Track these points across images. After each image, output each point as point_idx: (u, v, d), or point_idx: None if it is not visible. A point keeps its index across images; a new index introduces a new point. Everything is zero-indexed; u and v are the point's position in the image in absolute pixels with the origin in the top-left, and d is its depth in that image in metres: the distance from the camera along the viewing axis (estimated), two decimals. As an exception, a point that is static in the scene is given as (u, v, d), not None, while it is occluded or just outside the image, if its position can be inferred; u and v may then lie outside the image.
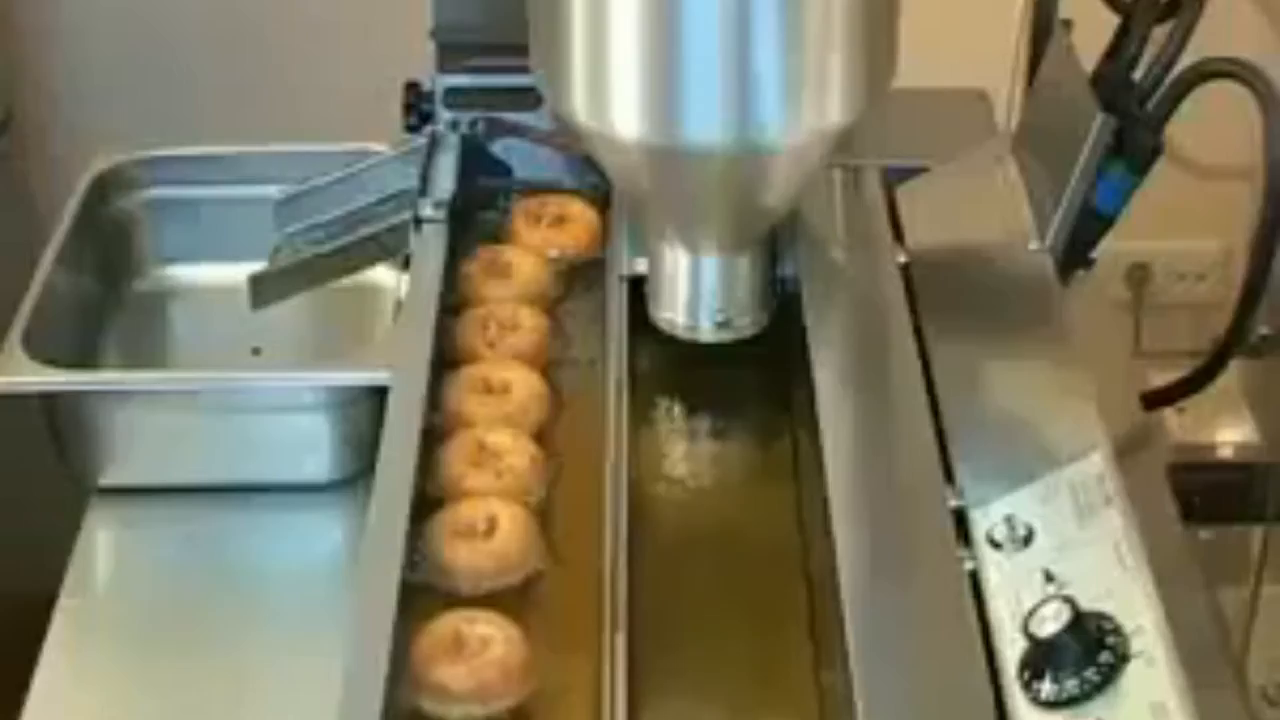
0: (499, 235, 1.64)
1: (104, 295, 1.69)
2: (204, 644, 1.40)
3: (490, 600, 1.29)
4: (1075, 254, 1.46)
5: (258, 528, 1.49)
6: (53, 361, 1.48)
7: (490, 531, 1.32)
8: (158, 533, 1.50)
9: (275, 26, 2.42)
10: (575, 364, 1.52)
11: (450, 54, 1.71)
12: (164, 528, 1.50)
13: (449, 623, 1.25)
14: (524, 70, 1.42)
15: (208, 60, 2.44)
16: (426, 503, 1.35)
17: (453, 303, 1.55)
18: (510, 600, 1.29)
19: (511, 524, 1.33)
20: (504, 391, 1.44)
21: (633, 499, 1.33)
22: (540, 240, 1.63)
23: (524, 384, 1.45)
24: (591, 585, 1.27)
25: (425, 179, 1.63)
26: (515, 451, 1.39)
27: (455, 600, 1.29)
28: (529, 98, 1.61)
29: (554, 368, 1.50)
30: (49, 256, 1.59)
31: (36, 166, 2.41)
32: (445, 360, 1.48)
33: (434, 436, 1.40)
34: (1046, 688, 1.12)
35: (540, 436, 1.43)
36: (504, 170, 1.73)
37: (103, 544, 1.50)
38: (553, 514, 1.37)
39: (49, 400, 1.50)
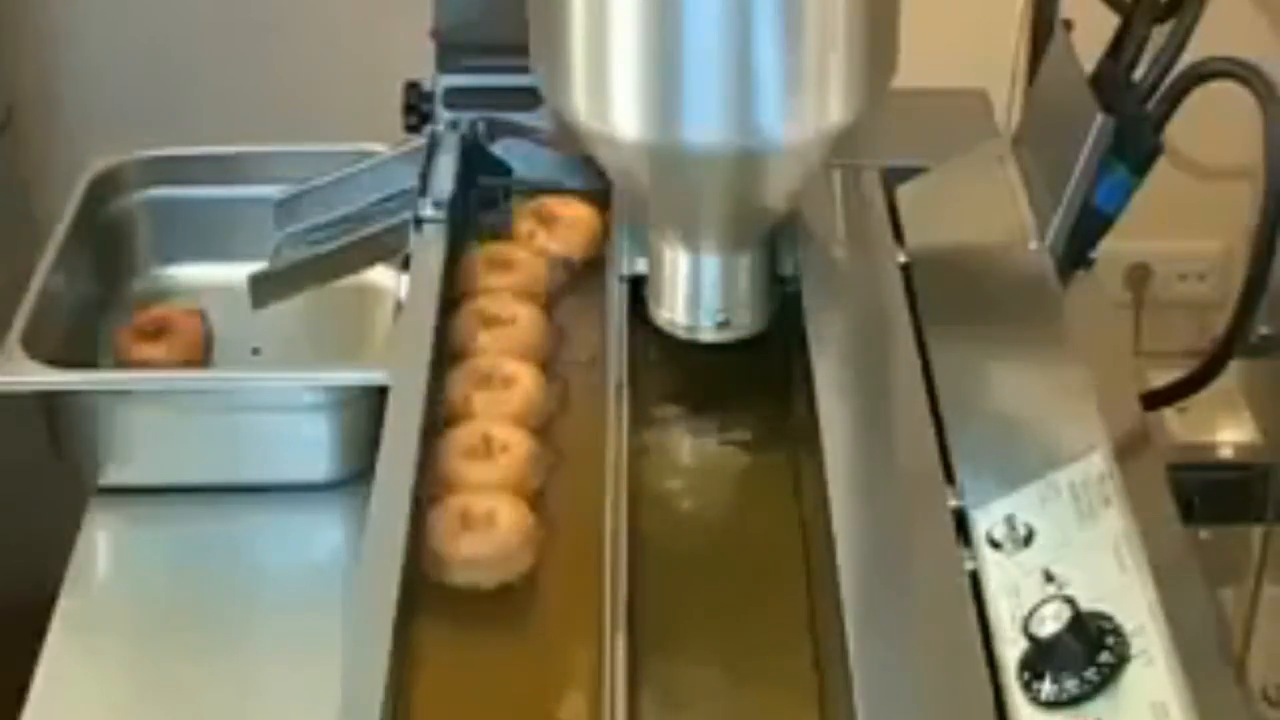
0: (502, 236, 1.64)
1: (103, 295, 1.69)
2: (204, 644, 1.40)
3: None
4: (1075, 254, 1.46)
5: (258, 528, 1.49)
6: (52, 361, 1.48)
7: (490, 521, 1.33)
8: (158, 533, 1.50)
9: (275, 26, 2.42)
10: (574, 363, 1.52)
11: (450, 54, 1.71)
12: (164, 528, 1.50)
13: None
14: (524, 70, 1.42)
15: (207, 60, 2.44)
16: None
17: (453, 296, 1.55)
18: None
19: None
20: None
21: (632, 499, 1.33)
22: (542, 242, 1.63)
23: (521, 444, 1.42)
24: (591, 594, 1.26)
25: (425, 179, 1.63)
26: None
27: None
28: (529, 98, 1.60)
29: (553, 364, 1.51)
30: (48, 256, 1.59)
31: (36, 167, 2.41)
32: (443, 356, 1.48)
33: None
34: (1046, 688, 1.12)
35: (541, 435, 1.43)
36: (504, 170, 1.72)
37: (103, 544, 1.50)
38: (552, 514, 1.37)
39: (49, 400, 1.50)
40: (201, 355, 1.62)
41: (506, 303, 1.53)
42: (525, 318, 1.52)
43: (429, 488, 1.35)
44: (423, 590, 1.29)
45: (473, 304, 1.53)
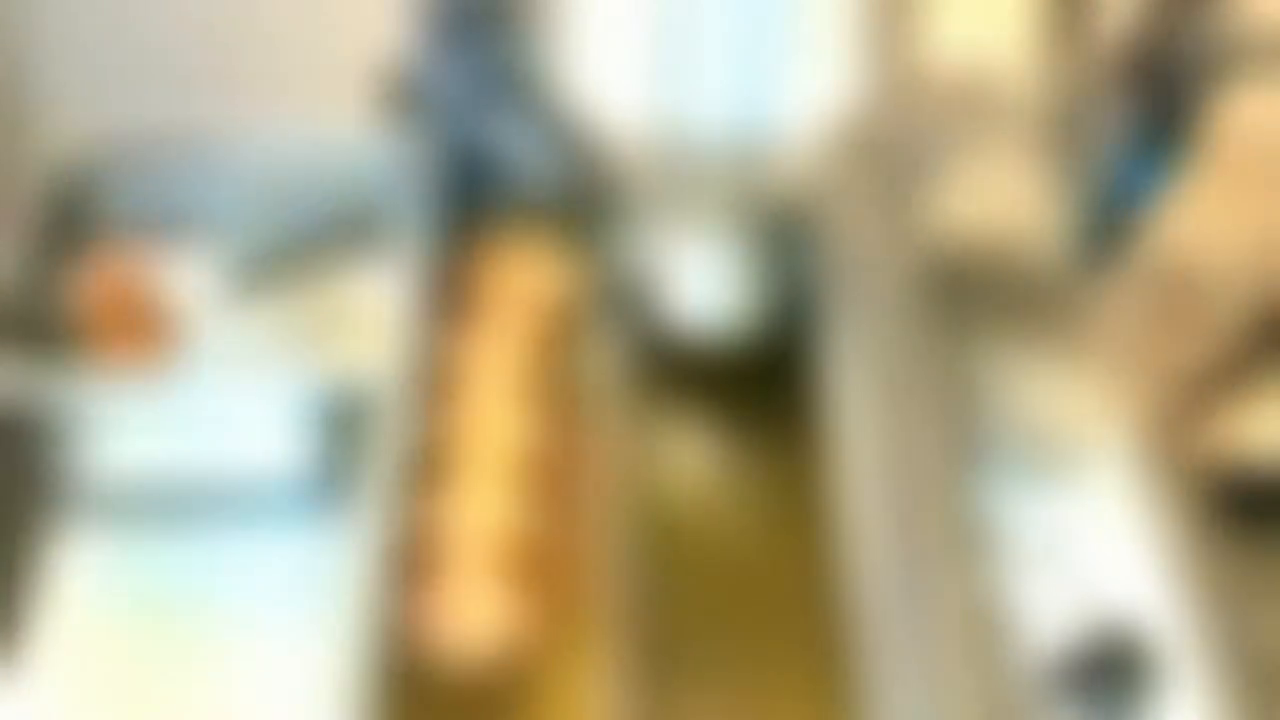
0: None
1: (75, 279, 1.66)
2: (190, 655, 1.40)
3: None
4: (1092, 253, 1.47)
5: (239, 538, 1.49)
6: (19, 354, 1.50)
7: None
8: (144, 543, 1.49)
9: (255, 7, 2.42)
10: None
11: (439, 45, 1.68)
12: (149, 539, 1.49)
13: None
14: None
15: (204, 58, 2.44)
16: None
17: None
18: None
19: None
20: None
21: (636, 502, 1.35)
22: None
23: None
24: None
25: (421, 176, 1.63)
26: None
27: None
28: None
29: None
30: (20, 243, 1.61)
31: (31, 164, 2.41)
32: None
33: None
34: (1068, 698, 1.12)
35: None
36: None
37: (89, 553, 1.49)
38: (554, 517, 1.36)
39: (40, 401, 1.49)
40: (168, 337, 1.60)
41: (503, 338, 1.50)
42: (520, 357, 1.49)
43: (418, 552, 1.34)
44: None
45: (465, 340, 1.51)
